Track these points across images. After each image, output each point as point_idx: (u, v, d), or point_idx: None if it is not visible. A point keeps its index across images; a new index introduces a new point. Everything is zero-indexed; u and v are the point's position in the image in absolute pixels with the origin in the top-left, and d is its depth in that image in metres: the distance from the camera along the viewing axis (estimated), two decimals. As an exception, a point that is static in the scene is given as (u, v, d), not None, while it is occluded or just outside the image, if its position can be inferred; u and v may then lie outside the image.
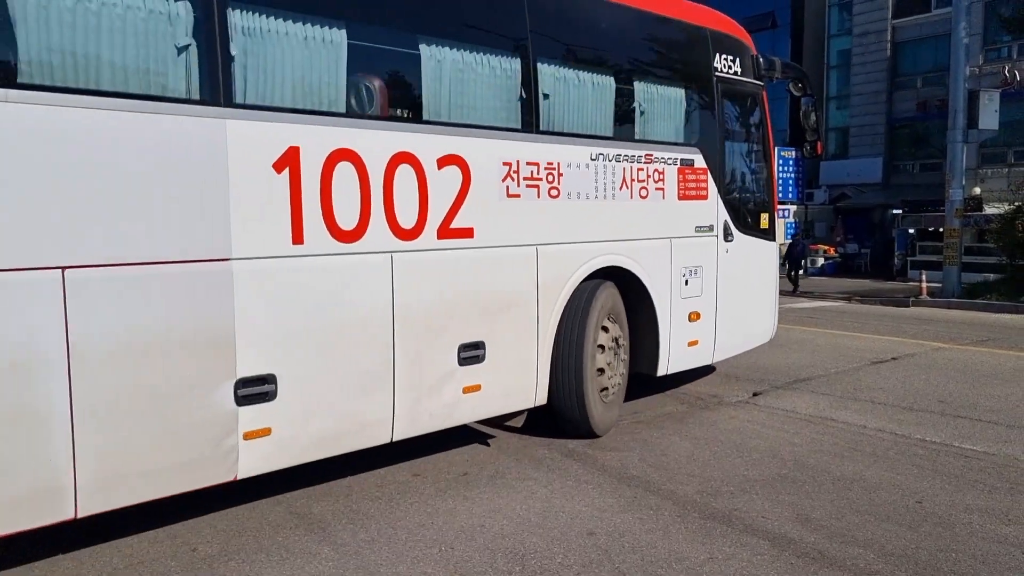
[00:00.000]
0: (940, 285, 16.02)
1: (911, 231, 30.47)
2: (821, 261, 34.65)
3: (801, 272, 33.76)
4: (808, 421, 5.89)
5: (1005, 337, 10.32)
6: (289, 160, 3.81)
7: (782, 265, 26.05)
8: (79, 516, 3.25)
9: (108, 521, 3.92)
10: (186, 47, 3.49)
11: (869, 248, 36.20)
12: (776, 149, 35.86)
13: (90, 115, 3.21)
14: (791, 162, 36.39)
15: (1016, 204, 16.47)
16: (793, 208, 36.32)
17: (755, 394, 6.81)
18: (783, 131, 43.03)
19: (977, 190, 30.86)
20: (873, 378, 7.47)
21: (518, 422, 5.79)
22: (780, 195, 36.50)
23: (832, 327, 11.29)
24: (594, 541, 3.70)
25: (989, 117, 15.32)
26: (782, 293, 16.13)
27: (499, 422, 5.68)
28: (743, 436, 5.47)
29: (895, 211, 33.51)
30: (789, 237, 35.97)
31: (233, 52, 3.63)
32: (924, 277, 16.89)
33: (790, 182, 36.18)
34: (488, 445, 5.24)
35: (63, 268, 3.13)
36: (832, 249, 35.58)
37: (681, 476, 4.62)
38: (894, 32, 38.07)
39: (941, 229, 19.61)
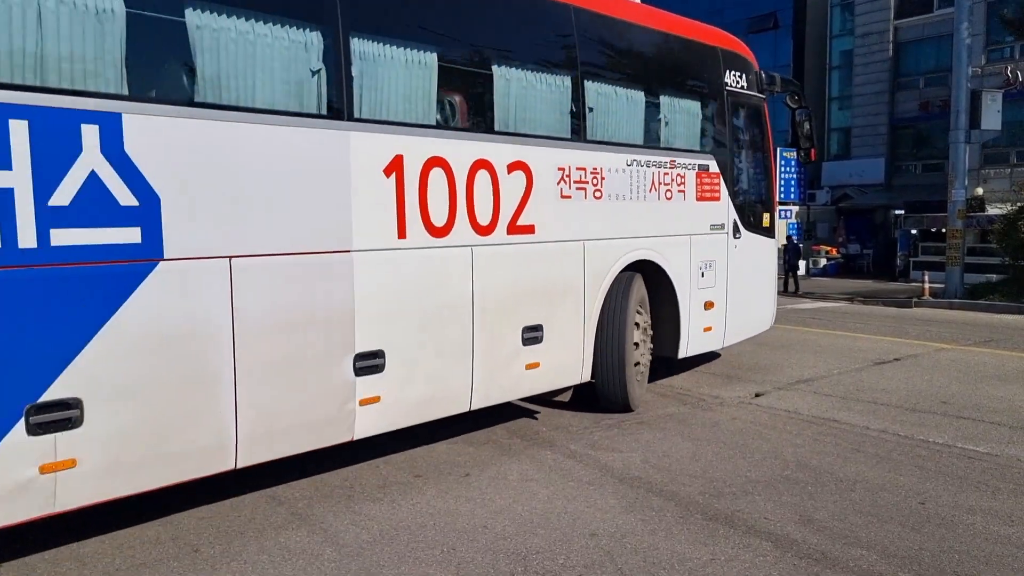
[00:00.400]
0: (943, 286, 16.00)
1: (913, 232, 30.43)
2: (823, 262, 34.63)
3: (801, 273, 33.71)
4: (810, 422, 5.88)
5: (1008, 338, 10.31)
6: (395, 166, 4.46)
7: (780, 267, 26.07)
8: (238, 467, 3.83)
9: (110, 522, 3.93)
10: (318, 71, 4.12)
11: (871, 249, 36.17)
12: (778, 150, 36.04)
13: (248, 129, 3.85)
14: (793, 163, 36.34)
15: (1019, 204, 16.45)
16: (795, 209, 36.28)
17: (757, 395, 6.80)
18: (784, 132, 43.00)
19: (980, 191, 30.81)
20: (876, 379, 7.46)
21: (565, 397, 6.11)
22: (782, 196, 36.52)
23: (834, 328, 11.28)
24: (596, 542, 3.69)
25: (992, 117, 15.30)
26: (784, 295, 16.16)
27: (547, 398, 6.05)
28: (745, 437, 5.46)
29: (897, 212, 33.47)
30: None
31: (354, 74, 4.27)
32: (926, 278, 16.87)
33: (792, 183, 36.16)
34: (495, 444, 5.24)
35: (230, 257, 3.77)
36: (834, 250, 35.56)
37: (683, 477, 4.61)
38: (896, 32, 38.04)
39: (943, 230, 19.60)
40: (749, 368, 7.97)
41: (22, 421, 3.17)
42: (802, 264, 34.43)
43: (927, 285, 16.42)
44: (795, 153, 34.16)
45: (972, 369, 8.00)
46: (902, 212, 32.69)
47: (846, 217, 37.48)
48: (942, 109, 32.33)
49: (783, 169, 35.68)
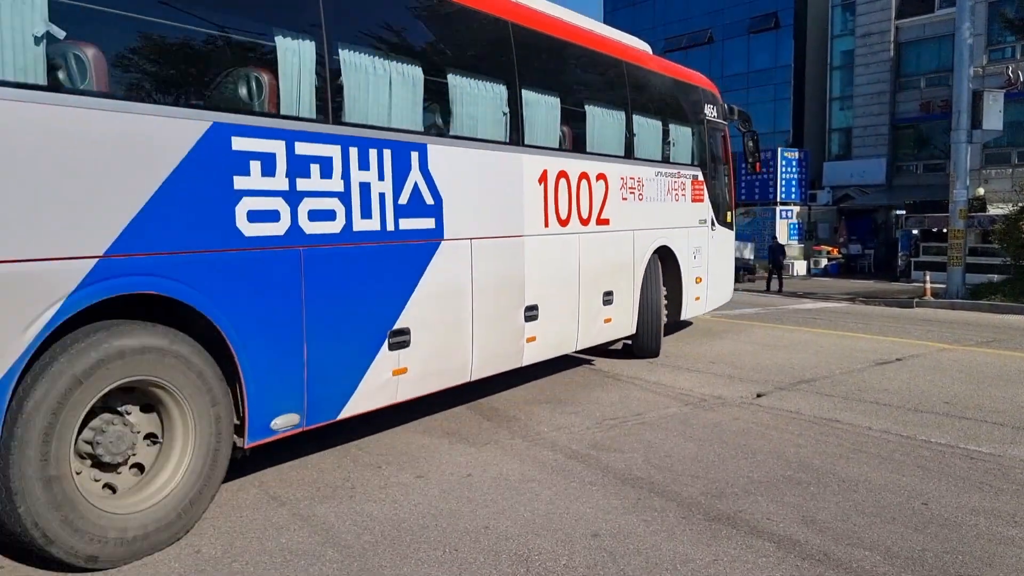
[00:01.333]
0: (944, 286, 15.98)
1: (915, 232, 30.40)
2: (824, 262, 34.61)
3: (802, 273, 33.70)
4: (813, 422, 5.88)
5: (1010, 338, 10.29)
6: (543, 177, 6.44)
7: (770, 266, 26.31)
8: (472, 379, 5.74)
9: (112, 523, 3.92)
10: (506, 113, 6.03)
11: (872, 249, 36.14)
12: (780, 150, 35.86)
13: (478, 153, 5.74)
14: (794, 163, 36.39)
15: (1020, 205, 16.44)
16: (796, 209, 36.28)
17: (759, 395, 6.79)
18: (786, 132, 43.03)
19: (981, 191, 30.79)
20: (878, 379, 7.45)
21: (618, 346, 8.64)
22: (784, 196, 36.51)
23: (836, 328, 11.26)
24: (599, 543, 3.68)
25: (993, 118, 15.29)
26: (768, 293, 16.31)
27: (603, 349, 8.40)
28: (747, 437, 5.45)
29: (898, 212, 33.46)
30: (794, 238, 35.99)
31: (524, 114, 6.20)
32: (928, 278, 16.85)
33: (793, 183, 36.17)
34: (497, 444, 5.24)
35: (471, 239, 5.61)
36: (835, 250, 35.54)
37: (685, 478, 4.61)
38: (897, 33, 38.03)
39: (945, 230, 19.58)
40: (751, 368, 7.96)
41: (386, 341, 4.90)
42: (802, 264, 34.46)
43: (929, 285, 16.40)
44: (797, 152, 34.76)
45: (974, 369, 7.98)
46: (903, 212, 32.67)
47: (847, 217, 37.47)
48: (943, 109, 32.34)
49: (784, 169, 35.72)
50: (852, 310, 14.34)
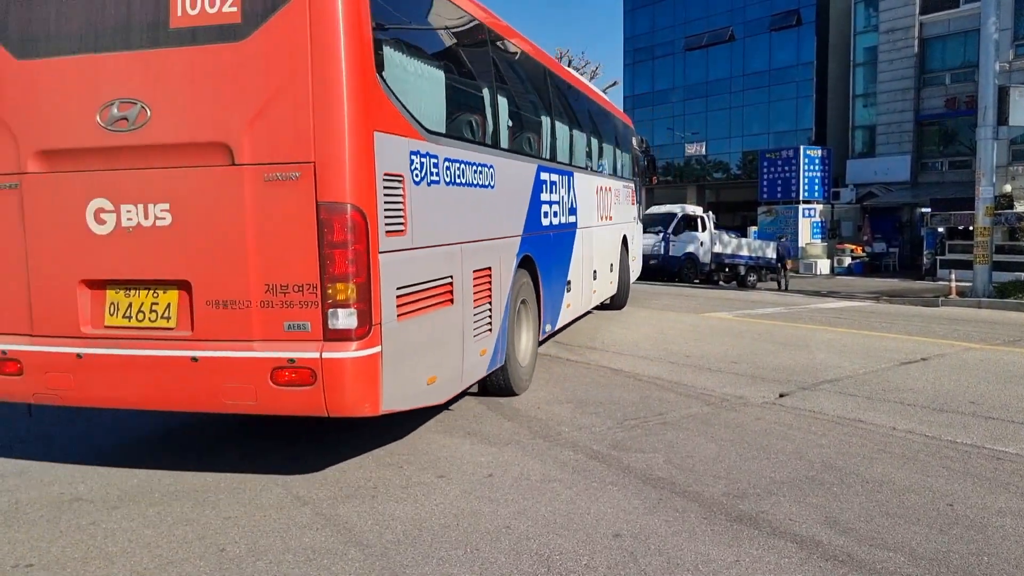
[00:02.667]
0: (970, 284, 15.79)
1: (940, 230, 30.02)
2: (848, 261, 34.29)
3: (825, 272, 33.38)
4: (836, 422, 5.83)
5: (1038, 337, 10.15)
6: (596, 190, 10.07)
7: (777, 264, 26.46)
8: (581, 315, 10.16)
9: (137, 523, 3.98)
10: (589, 151, 9.93)
11: (897, 247, 35.76)
12: (803, 148, 35.72)
13: (580, 176, 9.23)
14: (816, 160, 36.12)
15: (1048, 201, 16.19)
16: (819, 207, 36.02)
17: (781, 395, 6.75)
18: (809, 130, 42.69)
19: (1008, 187, 30.36)
20: (902, 379, 7.39)
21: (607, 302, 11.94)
22: (807, 194, 36.25)
23: (860, 327, 11.16)
24: (620, 543, 3.68)
25: (1020, 113, 15.08)
26: (777, 292, 16.20)
27: (616, 345, 9.72)
28: (770, 438, 5.43)
29: (923, 210, 33.08)
30: (817, 237, 35.69)
31: (592, 152, 10.23)
32: (954, 276, 16.66)
33: (816, 181, 35.92)
34: (518, 444, 5.25)
35: (579, 228, 9.07)
36: (859, 248, 35.20)
37: (707, 478, 4.59)
38: (921, 28, 37.58)
39: (971, 228, 19.33)
40: (773, 368, 7.92)
41: (565, 286, 8.52)
42: (825, 263, 34.13)
43: (954, 284, 16.21)
44: (819, 150, 35.16)
45: (1001, 369, 7.89)
46: (928, 210, 32.27)
47: (871, 215, 37.12)
48: (969, 105, 31.95)
49: (807, 167, 35.45)
50: (876, 309, 14.21)
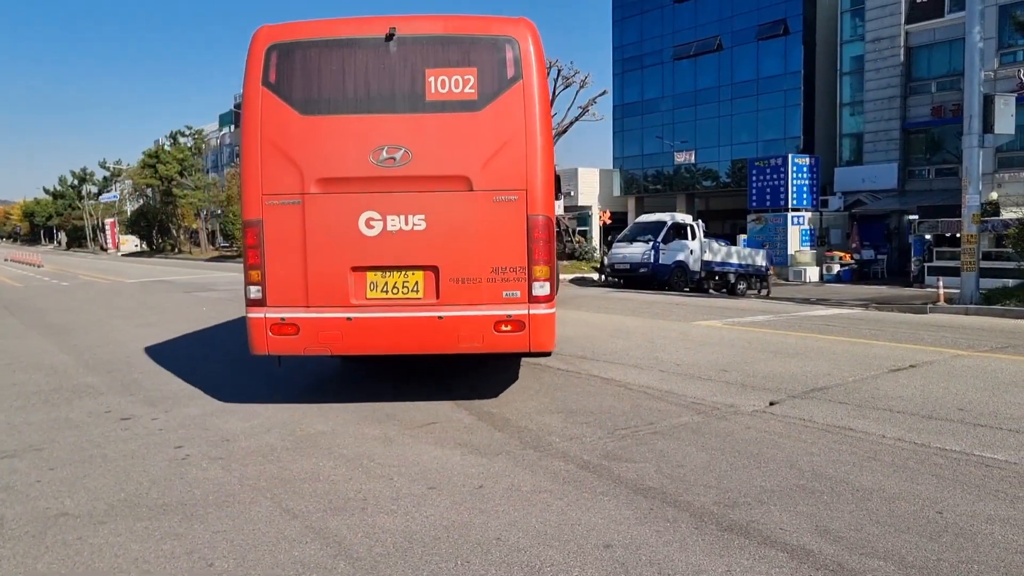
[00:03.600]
0: (958, 291, 15.88)
1: (927, 237, 30.21)
2: (837, 268, 34.44)
3: (815, 280, 33.49)
4: (826, 430, 5.85)
5: (1025, 343, 10.21)
6: None
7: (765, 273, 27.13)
8: None
9: (125, 537, 3.94)
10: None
11: (885, 254, 35.95)
12: (791, 156, 36.30)
13: None
14: (805, 168, 36.33)
15: (1034, 209, 16.32)
16: (808, 215, 36.23)
17: (772, 403, 6.76)
18: (797, 138, 42.94)
19: (994, 195, 30.59)
20: (891, 386, 7.41)
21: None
22: (795, 202, 36.40)
23: (849, 335, 11.21)
24: (611, 554, 3.67)
25: (1005, 122, 15.21)
26: (760, 298, 16.29)
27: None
28: (760, 446, 5.43)
29: (911, 217, 33.30)
30: (806, 245, 35.84)
31: None
32: (941, 283, 16.76)
33: (804, 189, 36.12)
34: (508, 455, 5.24)
35: None
36: (848, 256, 35.36)
37: (698, 487, 4.59)
38: (907, 37, 37.91)
39: (958, 235, 19.45)
40: (763, 376, 7.93)
41: None
42: (814, 270, 34.24)
43: (942, 291, 16.30)
44: (807, 158, 35.99)
45: (989, 376, 7.93)
46: (916, 217, 32.48)
47: (859, 223, 37.34)
48: (955, 113, 32.23)
49: (795, 176, 35.66)
50: (865, 316, 14.27)
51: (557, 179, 15.59)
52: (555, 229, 6.65)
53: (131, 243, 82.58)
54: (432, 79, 6.39)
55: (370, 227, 6.38)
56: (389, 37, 6.45)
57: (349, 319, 6.41)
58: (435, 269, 6.40)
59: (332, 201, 6.38)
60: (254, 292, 6.65)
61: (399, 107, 6.39)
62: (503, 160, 6.37)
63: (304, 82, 6.45)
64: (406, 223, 6.37)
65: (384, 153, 6.34)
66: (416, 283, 6.45)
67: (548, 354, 6.77)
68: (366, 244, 6.38)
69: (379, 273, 6.42)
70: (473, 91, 6.36)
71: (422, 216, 6.36)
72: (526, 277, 6.37)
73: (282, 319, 6.52)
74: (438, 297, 6.40)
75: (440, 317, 6.38)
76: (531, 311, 6.38)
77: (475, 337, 6.40)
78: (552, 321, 6.55)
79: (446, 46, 6.48)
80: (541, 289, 6.38)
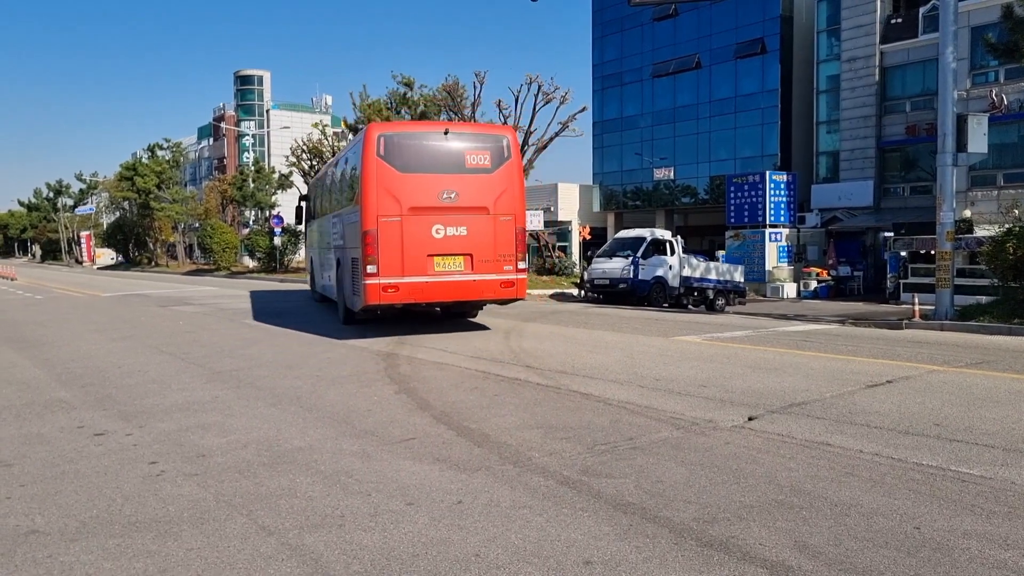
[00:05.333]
0: (933, 308, 16.05)
1: (903, 254, 30.55)
2: (814, 284, 34.72)
3: (792, 296, 33.75)
4: (804, 446, 5.87)
5: (999, 359, 10.34)
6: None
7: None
8: None
9: (97, 556, 3.87)
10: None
11: (861, 271, 36.31)
12: (768, 174, 36.67)
13: None
14: (782, 185, 36.65)
15: (1007, 226, 16.57)
16: (785, 231, 36.53)
17: (750, 418, 6.78)
18: (774, 156, 43.40)
19: (968, 213, 31.02)
20: (868, 402, 7.46)
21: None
22: (773, 218, 36.68)
23: (826, 351, 11.29)
24: (591, 571, 3.65)
25: (978, 141, 15.45)
26: (730, 313, 16.24)
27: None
28: (739, 461, 5.44)
29: (887, 234, 33.68)
30: (783, 261, 36.11)
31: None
32: (916, 300, 16.93)
33: (782, 206, 36.44)
34: (488, 471, 5.20)
35: None
36: (824, 272, 35.68)
37: (677, 503, 4.58)
38: (882, 57, 38.51)
39: (932, 252, 19.69)
40: (742, 391, 7.96)
41: None
42: (792, 287, 34.49)
43: (917, 307, 16.47)
44: (784, 175, 36.84)
45: (964, 391, 8.00)
46: (891, 234, 32.85)
47: (836, 239, 37.72)
48: (929, 132, 32.74)
49: (773, 192, 35.99)
50: (842, 332, 14.38)
51: None
52: (526, 235, 13.54)
53: (107, 256, 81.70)
54: (468, 156, 12.78)
55: (437, 233, 12.42)
56: (446, 133, 12.91)
57: (428, 282, 12.43)
58: (470, 255, 12.61)
59: (417, 219, 12.34)
60: (371, 269, 12.13)
61: (451, 170, 12.65)
62: (504, 199, 12.85)
63: (400, 155, 12.44)
64: (456, 231, 12.51)
65: (444, 194, 12.51)
66: (460, 262, 12.61)
67: (523, 299, 13.82)
68: (435, 242, 12.40)
69: (441, 257, 12.48)
70: (488, 163, 12.85)
71: (465, 227, 12.57)
72: (514, 260, 12.91)
73: (390, 282, 12.22)
74: (472, 269, 12.63)
75: (474, 280, 12.67)
76: (517, 276, 12.97)
77: (490, 290, 12.82)
78: (525, 282, 13.46)
79: (475, 139, 13.07)
80: (521, 264, 13.09)
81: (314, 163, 43.91)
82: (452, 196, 12.50)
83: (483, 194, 12.73)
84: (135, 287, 32.89)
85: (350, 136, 42.29)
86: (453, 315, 15.84)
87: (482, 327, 14.36)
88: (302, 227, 25.86)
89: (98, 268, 73.35)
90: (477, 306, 15.27)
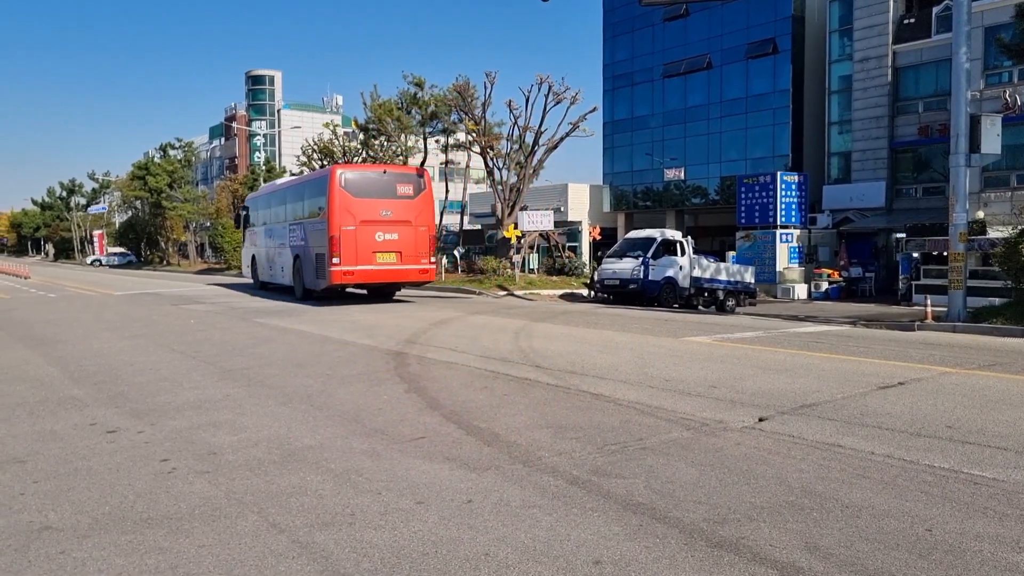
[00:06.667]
0: (945, 309, 15.97)
1: (915, 255, 30.37)
2: (825, 285, 34.56)
3: (803, 297, 33.57)
4: (815, 447, 5.85)
5: (1012, 362, 10.27)
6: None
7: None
8: None
9: (109, 551, 3.89)
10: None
11: (873, 272, 36.11)
12: (779, 174, 36.68)
13: None
14: (793, 186, 36.52)
15: (1020, 227, 16.46)
16: (796, 232, 36.38)
17: (761, 419, 6.77)
18: (785, 156, 43.23)
19: (980, 214, 30.82)
20: (880, 403, 7.43)
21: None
22: (784, 219, 36.52)
23: (837, 352, 11.25)
24: (600, 570, 3.65)
25: (991, 142, 15.36)
26: (741, 314, 16.07)
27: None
28: (750, 462, 5.43)
29: (899, 235, 33.50)
30: (794, 262, 35.96)
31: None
32: (929, 301, 16.84)
33: (793, 207, 36.30)
34: (497, 470, 5.21)
35: None
36: (836, 273, 35.50)
37: (687, 503, 4.58)
38: (895, 57, 38.29)
39: (945, 253, 19.58)
40: (752, 392, 7.94)
41: None
42: (803, 288, 34.35)
43: (930, 308, 16.39)
44: (796, 176, 37.26)
45: (977, 393, 7.96)
46: (903, 236, 32.67)
47: (847, 240, 37.53)
48: (941, 133, 32.55)
49: (784, 193, 35.87)
50: (853, 333, 14.33)
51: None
52: (436, 240, 23.04)
53: (117, 255, 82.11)
54: (399, 187, 20.17)
55: (379, 237, 19.72)
56: (384, 172, 20.91)
57: (373, 269, 19.78)
58: (400, 252, 20.03)
59: (365, 228, 19.56)
60: (336, 260, 19.23)
61: (388, 196, 20.03)
62: (421, 216, 20.49)
63: (354, 186, 19.69)
64: (391, 236, 19.91)
65: (383, 212, 19.89)
66: (394, 257, 20.06)
67: (432, 281, 22.66)
68: (377, 243, 19.70)
69: (381, 253, 19.77)
70: (411, 192, 20.32)
71: (396, 234, 19.95)
72: (428, 255, 20.67)
73: (348, 269, 19.41)
74: (402, 262, 20.14)
75: (403, 268, 20.25)
76: (430, 266, 21.00)
77: (412, 275, 20.61)
78: (435, 270, 22.98)
79: (403, 177, 20.86)
80: (432, 259, 21.27)
81: (324, 163, 44.08)
82: (388, 213, 20.01)
83: (408, 212, 20.33)
84: (147, 286, 33.08)
85: (360, 136, 42.67)
86: (385, 297, 22.95)
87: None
88: (240, 232, 33.20)
89: (110, 266, 73.79)
90: (397, 288, 23.00)
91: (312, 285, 21.09)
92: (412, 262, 20.25)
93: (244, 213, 30.31)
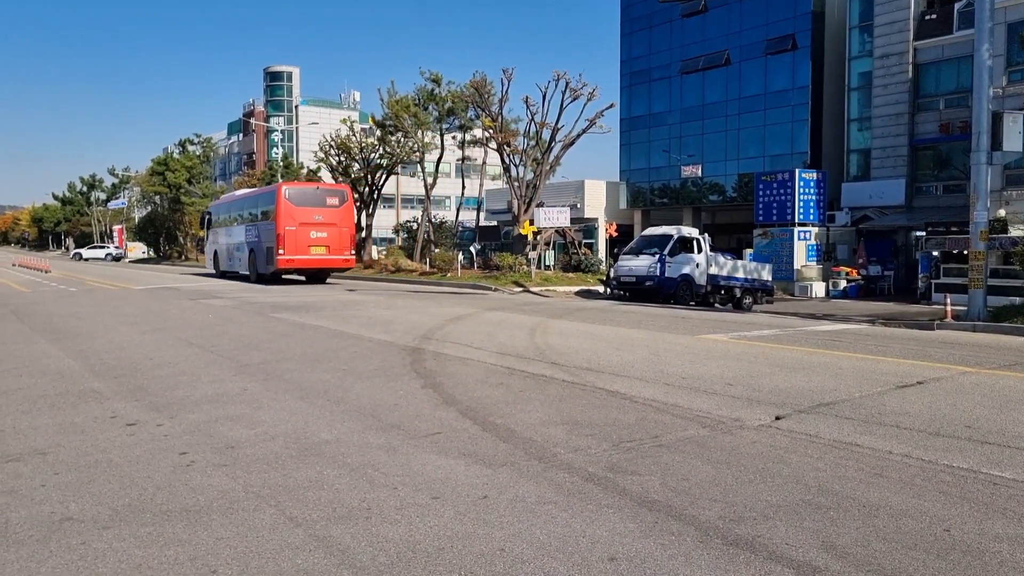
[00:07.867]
0: (965, 308, 15.83)
1: (935, 253, 30.11)
2: (843, 284, 34.33)
3: (820, 295, 33.42)
4: (832, 446, 5.82)
5: (1033, 361, 10.17)
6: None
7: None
8: None
9: (129, 543, 3.94)
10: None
11: (892, 271, 35.83)
12: (798, 171, 36.55)
13: None
14: (812, 184, 36.28)
15: (1042, 226, 16.27)
16: (815, 230, 36.16)
17: (778, 418, 6.74)
18: (804, 153, 42.93)
19: (1002, 212, 30.51)
20: (898, 402, 7.38)
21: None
22: (802, 216, 36.25)
23: (855, 350, 11.17)
24: (615, 567, 3.65)
25: (1013, 139, 15.20)
26: (755, 312, 15.90)
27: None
28: (766, 461, 5.41)
29: (918, 233, 33.21)
30: (812, 259, 35.73)
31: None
32: (949, 300, 16.70)
33: (811, 204, 36.06)
34: (513, 466, 5.22)
35: None
36: (854, 271, 35.24)
37: (703, 501, 4.57)
38: (916, 54, 37.90)
39: (965, 252, 19.40)
40: (769, 391, 7.91)
41: None
42: (820, 286, 34.12)
43: (949, 307, 16.25)
44: (814, 173, 36.86)
45: (997, 393, 7.89)
46: (923, 234, 32.38)
47: (866, 238, 37.24)
48: (962, 130, 32.20)
49: (802, 191, 35.63)
50: (872, 332, 14.23)
51: (358, 225, 39.01)
52: (355, 238, 33.29)
53: (139, 250, 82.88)
54: (328, 199, 30.41)
55: (312, 235, 29.49)
56: (317, 188, 31.81)
57: (308, 258, 29.52)
58: (328, 246, 29.88)
59: (303, 228, 29.25)
60: (280, 251, 28.74)
61: (319, 205, 29.97)
62: (345, 219, 30.86)
63: (296, 197, 29.85)
64: (322, 234, 29.72)
65: (316, 216, 29.60)
66: (324, 250, 29.88)
67: (352, 267, 32.61)
68: (311, 240, 29.44)
69: (315, 247, 29.52)
70: (337, 203, 30.62)
71: (325, 233, 29.82)
72: (349, 249, 30.90)
73: (290, 258, 29.00)
74: (329, 253, 30.07)
75: (330, 258, 30.27)
76: (351, 257, 31.26)
77: (339, 263, 30.70)
78: (354, 260, 32.59)
79: (331, 191, 31.71)
80: (352, 251, 31.49)
81: (342, 159, 44.32)
82: (320, 218, 29.26)
83: (334, 217, 29.78)
84: (166, 280, 33.37)
85: (377, 132, 43.02)
86: (319, 281, 31.29)
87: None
88: (203, 232, 42.80)
89: (130, 261, 74.42)
90: (328, 274, 31.65)
91: (264, 271, 30.57)
92: (337, 253, 30.03)
93: (208, 217, 40.21)
